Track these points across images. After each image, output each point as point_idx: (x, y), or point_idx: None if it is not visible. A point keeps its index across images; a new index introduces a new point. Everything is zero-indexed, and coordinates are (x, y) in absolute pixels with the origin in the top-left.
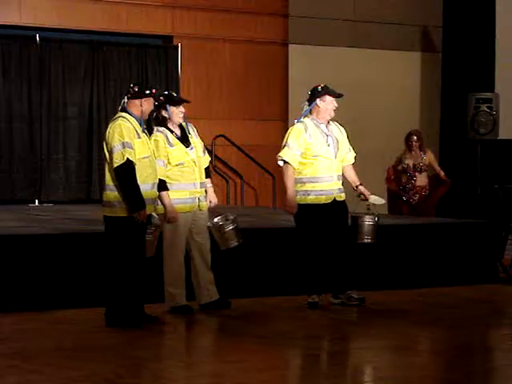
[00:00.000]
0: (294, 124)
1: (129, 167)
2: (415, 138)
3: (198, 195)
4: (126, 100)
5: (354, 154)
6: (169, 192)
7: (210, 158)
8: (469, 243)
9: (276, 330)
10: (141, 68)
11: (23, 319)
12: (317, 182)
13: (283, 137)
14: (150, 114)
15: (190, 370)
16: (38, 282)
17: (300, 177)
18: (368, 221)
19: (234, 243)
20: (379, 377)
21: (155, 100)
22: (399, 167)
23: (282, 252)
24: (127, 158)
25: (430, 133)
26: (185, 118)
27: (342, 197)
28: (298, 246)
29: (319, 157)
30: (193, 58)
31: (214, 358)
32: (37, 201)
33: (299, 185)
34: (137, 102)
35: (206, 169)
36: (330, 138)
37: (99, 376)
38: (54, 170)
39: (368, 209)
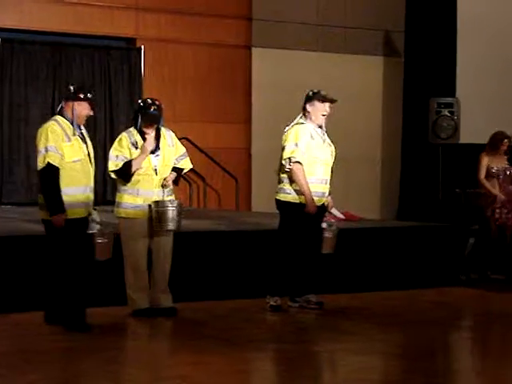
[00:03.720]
0: (290, 126)
1: (49, 171)
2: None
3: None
4: (63, 102)
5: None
6: (125, 195)
7: (190, 165)
8: (430, 247)
9: (238, 333)
10: (104, 70)
11: None
12: (312, 183)
13: (246, 139)
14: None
15: (152, 373)
16: None
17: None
18: (328, 234)
19: (170, 226)
20: (343, 379)
21: (91, 105)
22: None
23: (244, 255)
24: (48, 162)
25: (392, 137)
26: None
27: (327, 201)
28: (277, 244)
29: (317, 159)
30: (156, 60)
31: (175, 361)
32: None
33: (294, 184)
34: (70, 104)
35: (178, 169)
36: (325, 142)
37: (59, 379)
38: (16, 172)
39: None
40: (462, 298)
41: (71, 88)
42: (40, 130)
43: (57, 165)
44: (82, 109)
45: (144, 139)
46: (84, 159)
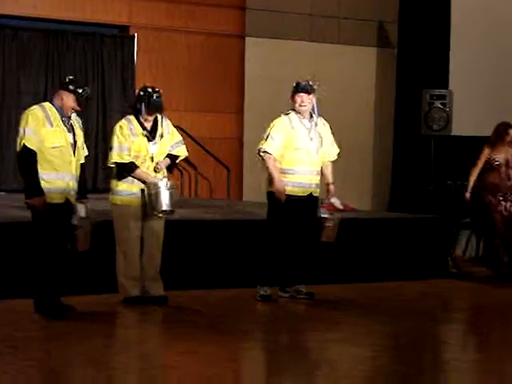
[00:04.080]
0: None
1: (25, 154)
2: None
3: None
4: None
5: (338, 151)
6: (120, 182)
7: (186, 153)
8: (421, 238)
9: (229, 322)
10: (96, 57)
11: None
12: (294, 173)
13: (238, 129)
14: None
15: (143, 362)
16: None
17: (280, 167)
18: (328, 223)
19: (164, 207)
20: (333, 369)
21: (78, 100)
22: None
23: (235, 244)
24: (23, 145)
25: (384, 128)
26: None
27: (317, 192)
28: (265, 235)
29: (300, 149)
30: (149, 48)
31: (166, 350)
32: None
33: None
34: (60, 92)
35: (173, 156)
36: (312, 132)
37: (47, 366)
38: (6, 158)
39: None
40: (452, 290)
41: (65, 78)
42: (23, 114)
43: (34, 148)
44: (68, 100)
45: (143, 127)
46: (65, 147)
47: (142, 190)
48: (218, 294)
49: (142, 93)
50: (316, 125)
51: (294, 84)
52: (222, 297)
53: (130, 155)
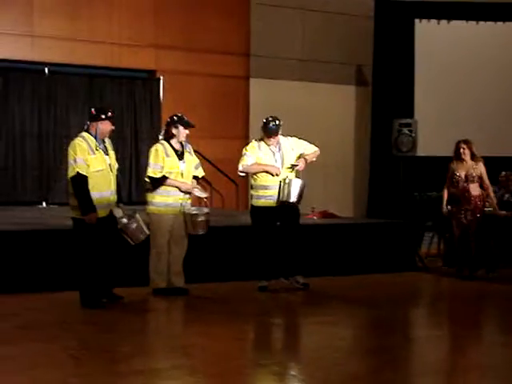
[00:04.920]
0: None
1: (78, 179)
2: (463, 145)
3: (180, 201)
4: (88, 122)
5: (315, 149)
6: (156, 195)
7: (203, 173)
8: (393, 239)
9: (236, 309)
10: (130, 97)
11: (27, 299)
12: (266, 189)
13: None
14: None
15: (168, 341)
16: (37, 269)
17: (255, 184)
18: (200, 219)
19: (200, 231)
20: (319, 345)
21: (112, 122)
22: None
23: (242, 246)
24: (77, 172)
25: (362, 151)
26: (187, 137)
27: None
28: (253, 239)
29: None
30: (172, 88)
31: (186, 331)
32: (44, 203)
33: (253, 190)
34: (94, 124)
35: (196, 177)
36: (277, 154)
37: (92, 345)
38: (59, 178)
39: None
40: (419, 281)
41: (93, 110)
42: (70, 146)
43: (85, 173)
44: (106, 126)
45: (175, 150)
46: (105, 169)
47: (181, 205)
48: (226, 286)
49: (175, 118)
50: (279, 149)
51: (264, 122)
52: (229, 288)
53: (161, 172)
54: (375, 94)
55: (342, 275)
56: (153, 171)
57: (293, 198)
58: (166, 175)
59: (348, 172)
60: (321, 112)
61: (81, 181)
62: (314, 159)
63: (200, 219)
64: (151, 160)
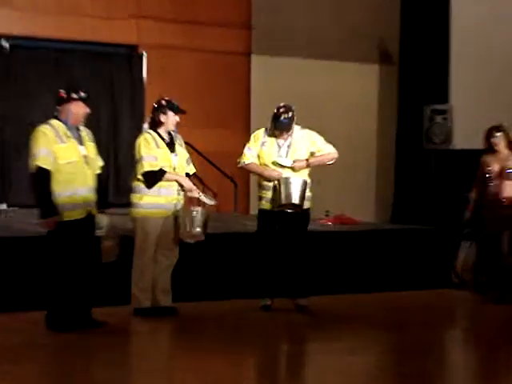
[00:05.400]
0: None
1: (39, 175)
2: (496, 133)
3: (174, 202)
4: (57, 107)
5: (332, 151)
6: (145, 195)
7: (194, 170)
8: (423, 249)
9: (233, 333)
10: (106, 77)
11: None
12: (269, 190)
13: (244, 144)
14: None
15: (149, 379)
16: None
17: (262, 183)
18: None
19: (197, 232)
20: (342, 376)
21: (86, 103)
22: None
23: (240, 257)
24: (38, 166)
25: (386, 144)
26: (176, 127)
27: (307, 204)
28: (257, 248)
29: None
30: (157, 67)
31: (171, 361)
32: (5, 204)
33: (261, 191)
34: (64, 107)
35: (187, 174)
36: (283, 150)
37: (56, 372)
38: (20, 174)
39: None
40: (454, 300)
41: (62, 92)
42: (33, 134)
43: (48, 168)
44: (78, 109)
45: (162, 138)
46: (79, 161)
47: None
48: (223, 305)
49: (163, 103)
50: (289, 143)
51: (274, 114)
52: (226, 308)
53: (157, 164)
54: (402, 74)
55: (362, 292)
56: (149, 164)
57: (295, 200)
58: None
59: (369, 168)
60: (336, 96)
61: (40, 176)
62: (331, 162)
63: (199, 218)
64: (142, 152)
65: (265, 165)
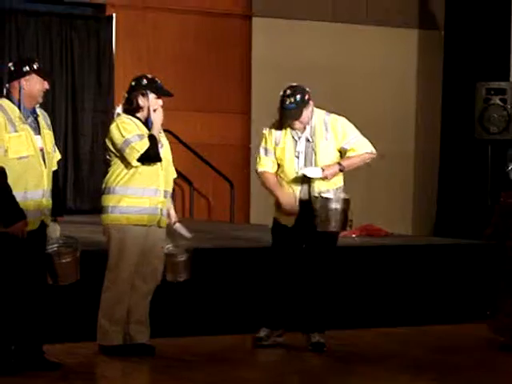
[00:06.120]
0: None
1: None
2: None
3: (160, 206)
4: (6, 84)
5: (369, 149)
6: (125, 197)
7: (175, 174)
8: (474, 269)
9: (225, 379)
10: (65, 43)
11: None
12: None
13: (244, 133)
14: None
15: None
16: None
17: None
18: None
19: (182, 277)
20: None
21: (44, 76)
22: None
23: (239, 279)
24: None
25: (429, 131)
26: None
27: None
28: (269, 267)
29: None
30: (131, 32)
31: None
32: None
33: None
34: (15, 83)
35: None
36: (301, 145)
37: None
38: None
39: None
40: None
41: (12, 65)
42: None
43: (5, 163)
44: (33, 84)
45: (144, 125)
46: (34, 156)
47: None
48: (214, 341)
49: (144, 81)
50: (310, 136)
51: (280, 98)
52: (218, 345)
53: (146, 142)
54: (448, 42)
55: (393, 326)
56: (140, 143)
57: (333, 228)
58: (133, 169)
59: (406, 165)
60: (362, 71)
61: None
62: (369, 161)
63: (180, 259)
64: (125, 134)
65: (284, 175)
